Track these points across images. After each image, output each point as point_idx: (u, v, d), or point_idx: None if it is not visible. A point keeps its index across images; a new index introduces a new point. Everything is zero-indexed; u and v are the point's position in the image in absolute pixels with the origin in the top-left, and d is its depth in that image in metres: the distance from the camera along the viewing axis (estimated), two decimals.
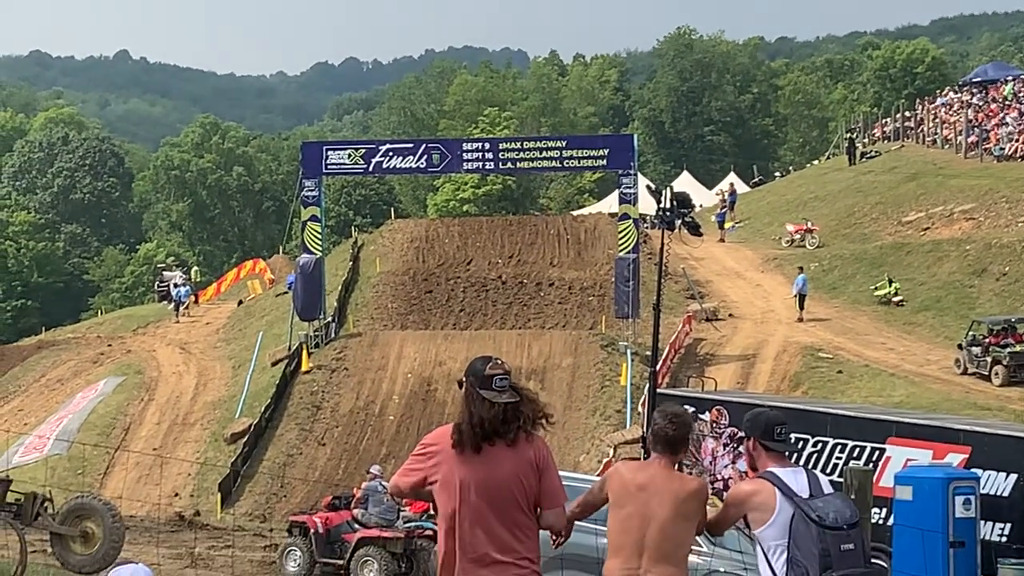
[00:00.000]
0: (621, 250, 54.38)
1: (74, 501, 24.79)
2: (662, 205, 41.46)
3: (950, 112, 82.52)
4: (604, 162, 58.50)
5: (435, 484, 8.50)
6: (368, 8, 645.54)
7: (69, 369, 63.33)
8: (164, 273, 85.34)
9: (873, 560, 9.56)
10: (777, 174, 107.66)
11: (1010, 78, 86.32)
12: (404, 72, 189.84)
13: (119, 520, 24.53)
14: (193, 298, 75.91)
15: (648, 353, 44.47)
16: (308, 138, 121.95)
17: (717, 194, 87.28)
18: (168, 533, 37.76)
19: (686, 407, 33.34)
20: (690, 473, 31.46)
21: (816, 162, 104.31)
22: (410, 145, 62.15)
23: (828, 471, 27.01)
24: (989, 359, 45.64)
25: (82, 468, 50.48)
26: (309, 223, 57.70)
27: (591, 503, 9.18)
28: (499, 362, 8.56)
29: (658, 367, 43.34)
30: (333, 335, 57.85)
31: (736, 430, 30.44)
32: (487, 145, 60.00)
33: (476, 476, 8.38)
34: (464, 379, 8.57)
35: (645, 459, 27.35)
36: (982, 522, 22.63)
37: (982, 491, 22.87)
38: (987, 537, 23.96)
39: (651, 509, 8.93)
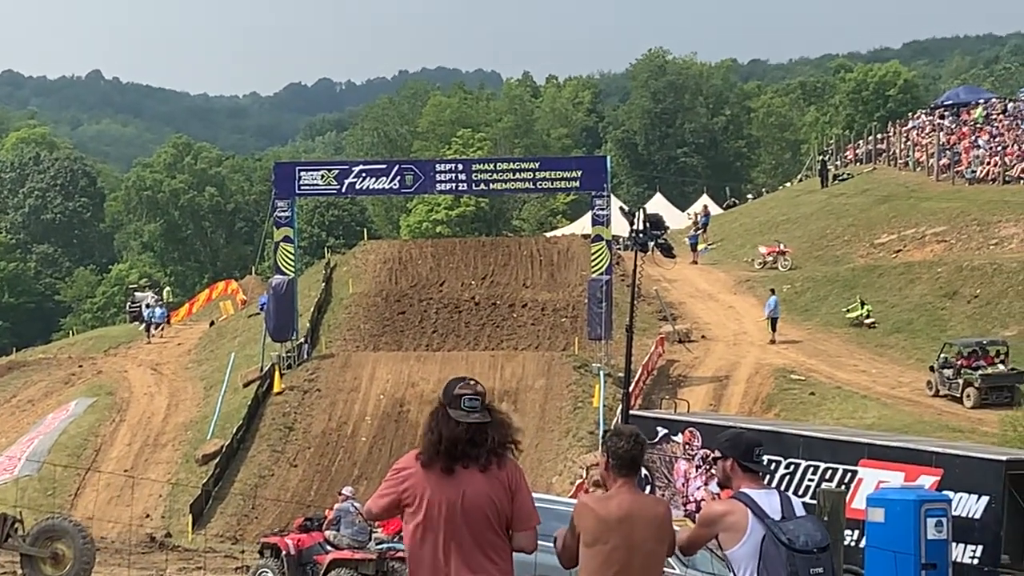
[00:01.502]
0: (594, 272, 54.43)
1: (45, 522, 24.72)
2: (635, 227, 41.56)
3: (922, 135, 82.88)
4: (577, 183, 58.59)
5: (408, 506, 8.48)
6: (341, 29, 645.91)
7: (40, 390, 63.07)
8: (136, 294, 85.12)
9: None
10: (750, 196, 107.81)
11: (981, 101, 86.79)
12: (377, 93, 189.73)
13: (90, 541, 24.46)
14: (167, 319, 75.67)
15: (621, 374, 44.56)
16: (281, 159, 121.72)
17: (690, 216, 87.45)
18: (139, 555, 37.64)
19: (659, 428, 33.44)
20: (662, 496, 31.52)
21: (788, 184, 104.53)
22: (383, 166, 62.05)
23: (800, 493, 27.05)
24: (961, 381, 45.83)
25: (53, 489, 50.28)
26: (282, 244, 57.63)
27: (574, 546, 9.11)
28: (471, 383, 8.57)
29: (631, 389, 43.41)
30: (305, 356, 57.77)
31: (709, 452, 30.43)
32: (460, 166, 60.12)
33: (449, 497, 8.38)
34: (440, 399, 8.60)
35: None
36: (954, 544, 22.68)
37: (954, 513, 22.93)
38: (959, 559, 24.01)
39: (635, 540, 8.91)
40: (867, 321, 55.29)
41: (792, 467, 28.85)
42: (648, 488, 31.71)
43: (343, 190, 60.82)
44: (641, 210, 44.34)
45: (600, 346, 53.06)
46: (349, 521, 27.82)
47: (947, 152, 74.57)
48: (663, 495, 31.57)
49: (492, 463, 8.47)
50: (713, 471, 9.57)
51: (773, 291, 56.59)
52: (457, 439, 8.39)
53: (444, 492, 8.39)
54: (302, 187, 58.40)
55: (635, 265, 42.04)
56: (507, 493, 8.49)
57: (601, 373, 50.95)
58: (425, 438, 8.52)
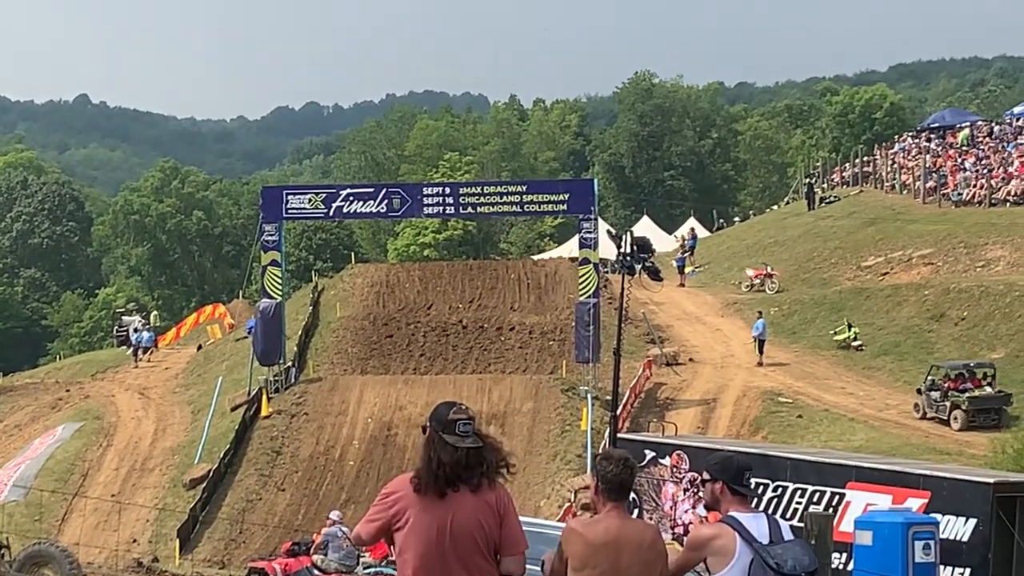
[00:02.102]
0: (582, 294, 54.41)
1: (31, 548, 24.67)
2: (622, 250, 41.56)
3: (908, 157, 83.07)
4: (564, 207, 58.58)
5: (398, 531, 8.47)
6: (329, 52, 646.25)
7: (27, 415, 62.91)
8: (123, 318, 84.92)
9: None
10: (737, 219, 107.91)
11: (967, 123, 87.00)
12: (365, 116, 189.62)
13: (77, 567, 24.40)
14: (154, 344, 75.49)
15: (608, 398, 44.50)
16: (268, 182, 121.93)
17: (677, 239, 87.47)
18: None
19: (647, 451, 33.44)
20: (650, 519, 31.48)
21: (775, 207, 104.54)
22: (371, 190, 62.04)
23: (788, 516, 27.06)
24: (948, 404, 45.84)
25: (40, 515, 50.12)
26: (269, 268, 57.55)
27: (562, 570, 9.09)
28: (463, 407, 8.57)
29: (618, 412, 43.37)
30: (293, 380, 57.65)
31: (697, 475, 30.42)
32: (448, 190, 60.04)
33: (439, 521, 8.37)
34: (428, 424, 8.57)
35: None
36: (942, 567, 22.68)
37: (942, 536, 22.94)
38: None
39: (622, 564, 8.88)
40: (854, 343, 55.31)
41: (780, 490, 28.86)
42: (636, 511, 31.68)
43: (330, 214, 60.79)
44: (628, 233, 44.31)
45: (588, 369, 53.04)
46: (337, 545, 27.80)
47: (933, 175, 74.68)
48: (651, 518, 31.55)
49: (484, 485, 8.47)
50: (701, 494, 9.57)
51: (760, 314, 56.60)
52: (457, 464, 8.39)
53: (434, 516, 8.37)
54: (289, 211, 58.36)
55: (622, 288, 42.02)
56: (496, 517, 8.48)
57: (589, 396, 50.90)
58: (423, 464, 8.50)
